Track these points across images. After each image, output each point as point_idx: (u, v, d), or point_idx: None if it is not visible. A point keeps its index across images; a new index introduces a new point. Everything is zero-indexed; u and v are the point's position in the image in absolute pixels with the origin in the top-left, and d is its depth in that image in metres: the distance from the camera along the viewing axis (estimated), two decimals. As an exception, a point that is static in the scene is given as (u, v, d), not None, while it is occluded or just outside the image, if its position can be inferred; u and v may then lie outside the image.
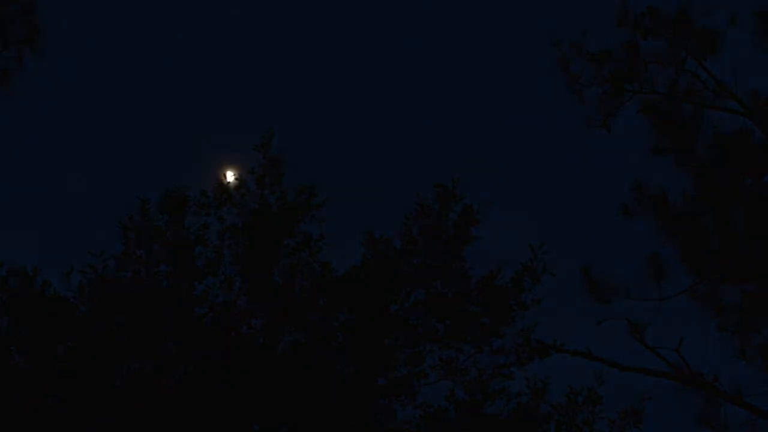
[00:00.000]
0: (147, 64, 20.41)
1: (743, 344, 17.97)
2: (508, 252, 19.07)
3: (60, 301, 18.58)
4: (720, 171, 18.30)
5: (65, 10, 20.15)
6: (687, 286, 18.33)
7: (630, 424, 18.51)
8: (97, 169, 19.65)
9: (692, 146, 18.55)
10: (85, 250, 18.73)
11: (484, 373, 18.84)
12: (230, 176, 19.23)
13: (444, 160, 19.66)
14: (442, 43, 20.32)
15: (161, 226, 19.06)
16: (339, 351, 18.71)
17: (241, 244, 19.20)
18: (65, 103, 20.06)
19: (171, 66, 20.37)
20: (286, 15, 20.61)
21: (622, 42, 18.91)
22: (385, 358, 18.79)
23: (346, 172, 19.72)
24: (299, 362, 18.46)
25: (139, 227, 18.97)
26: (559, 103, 19.33)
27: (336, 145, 20.01)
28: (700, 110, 18.65)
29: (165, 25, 20.45)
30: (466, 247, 19.19)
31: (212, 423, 17.97)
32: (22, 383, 17.96)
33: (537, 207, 19.27)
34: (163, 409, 17.87)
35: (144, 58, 20.42)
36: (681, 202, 18.44)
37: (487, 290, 18.95)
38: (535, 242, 19.09)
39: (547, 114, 19.43)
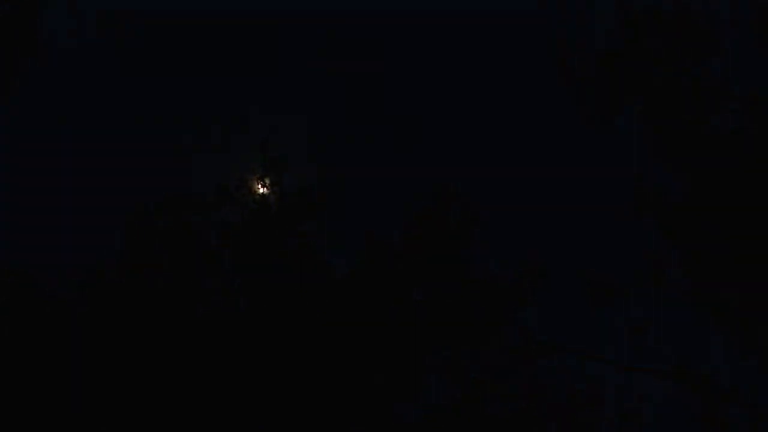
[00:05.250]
0: (146, 61, 20.35)
1: (743, 344, 18.01)
2: (508, 252, 19.08)
3: (60, 301, 18.58)
4: (720, 171, 18.33)
5: (63, 8, 20.13)
6: (687, 286, 18.38)
7: (630, 425, 18.50)
8: (96, 168, 19.59)
9: (692, 146, 18.59)
10: (85, 249, 18.75)
11: (484, 373, 18.83)
12: (267, 189, 19.29)
13: (444, 160, 19.61)
14: (438, 41, 20.27)
15: (162, 225, 19.09)
16: (339, 351, 18.71)
17: (241, 244, 19.21)
18: (64, 101, 20.00)
19: (170, 63, 20.32)
20: (288, 12, 20.56)
21: (621, 41, 18.95)
22: (385, 359, 18.79)
23: (346, 172, 19.67)
24: (299, 362, 18.47)
25: (140, 227, 18.99)
26: (560, 103, 19.34)
27: (336, 144, 19.96)
28: (698, 110, 18.68)
29: (163, 23, 20.42)
30: (466, 247, 19.19)
31: (213, 424, 17.99)
32: (22, 383, 17.97)
33: (537, 207, 19.22)
34: (163, 410, 17.89)
35: (143, 55, 20.36)
36: (681, 203, 18.48)
37: (487, 290, 18.96)
38: (535, 242, 19.10)
39: (546, 113, 19.39)
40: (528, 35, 19.55)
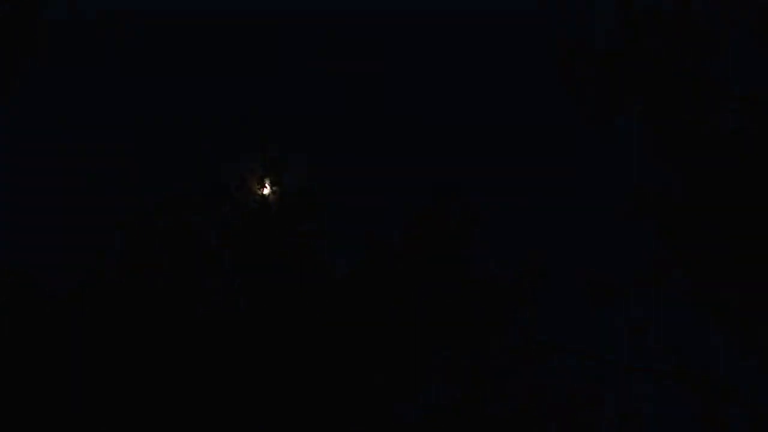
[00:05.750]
0: (147, 60, 20.37)
1: (743, 344, 18.00)
2: (508, 252, 19.07)
3: (60, 301, 18.58)
4: (720, 170, 18.33)
5: (63, 8, 20.15)
6: (687, 286, 18.37)
7: (630, 425, 18.50)
8: (96, 168, 19.60)
9: (692, 146, 18.59)
10: (85, 249, 18.75)
11: (484, 373, 18.82)
12: (267, 189, 19.28)
13: (444, 160, 19.62)
14: (438, 41, 20.27)
15: (162, 225, 19.09)
16: (339, 351, 18.71)
17: (241, 244, 19.21)
18: (64, 100, 20.01)
19: (170, 63, 20.33)
20: (290, 12, 20.59)
21: (622, 41, 18.95)
22: (385, 359, 18.79)
23: (346, 172, 19.68)
24: (299, 362, 18.47)
25: (140, 227, 19.00)
26: (560, 103, 19.34)
27: (336, 144, 19.97)
28: (699, 110, 18.67)
29: (165, 23, 20.44)
30: (466, 247, 19.19)
31: (213, 424, 17.99)
32: (22, 383, 17.98)
33: (537, 207, 19.23)
34: (163, 410, 17.89)
35: (144, 55, 20.37)
36: (681, 203, 18.47)
37: (487, 290, 18.95)
38: (535, 242, 19.10)
39: (546, 113, 19.41)
40: (528, 35, 19.57)
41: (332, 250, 19.36)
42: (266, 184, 19.51)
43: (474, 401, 18.63)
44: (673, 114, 18.67)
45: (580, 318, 18.67)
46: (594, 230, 18.90)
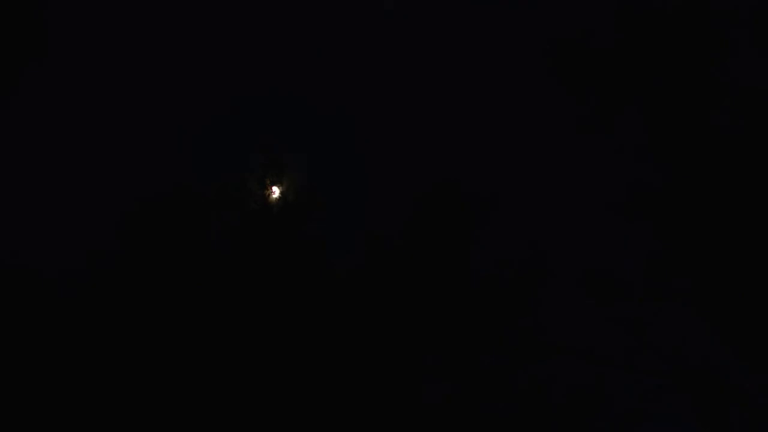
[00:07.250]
0: (148, 61, 20.42)
1: (743, 344, 18.02)
2: (509, 252, 19.09)
3: (60, 301, 18.62)
4: (720, 170, 18.35)
5: (68, 7, 20.18)
6: (687, 285, 18.39)
7: (630, 424, 18.52)
8: (96, 168, 19.66)
9: (692, 146, 18.60)
10: (84, 249, 18.78)
11: (484, 373, 18.85)
12: (275, 192, 19.32)
13: (445, 160, 19.65)
14: (439, 40, 20.31)
15: (162, 225, 19.11)
16: (339, 351, 18.74)
17: (241, 244, 19.24)
18: (64, 100, 20.06)
19: (170, 63, 20.38)
20: (291, 14, 20.63)
21: (622, 41, 18.95)
22: (385, 358, 18.81)
23: (346, 172, 19.73)
24: (299, 362, 18.50)
25: (141, 227, 19.03)
26: (560, 102, 19.35)
27: (336, 143, 20.01)
28: (700, 109, 18.68)
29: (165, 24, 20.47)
30: (466, 246, 19.20)
31: (213, 424, 18.03)
32: (22, 383, 18.02)
33: (537, 207, 19.26)
34: (163, 410, 17.93)
35: (145, 56, 20.42)
36: (680, 202, 18.49)
37: (488, 290, 18.97)
38: (536, 242, 19.11)
39: (546, 113, 19.43)
40: (528, 35, 19.58)
41: (332, 250, 19.39)
42: (266, 185, 19.53)
43: (474, 401, 18.65)
44: (673, 114, 18.67)
45: (580, 318, 18.69)
46: (594, 230, 18.93)
